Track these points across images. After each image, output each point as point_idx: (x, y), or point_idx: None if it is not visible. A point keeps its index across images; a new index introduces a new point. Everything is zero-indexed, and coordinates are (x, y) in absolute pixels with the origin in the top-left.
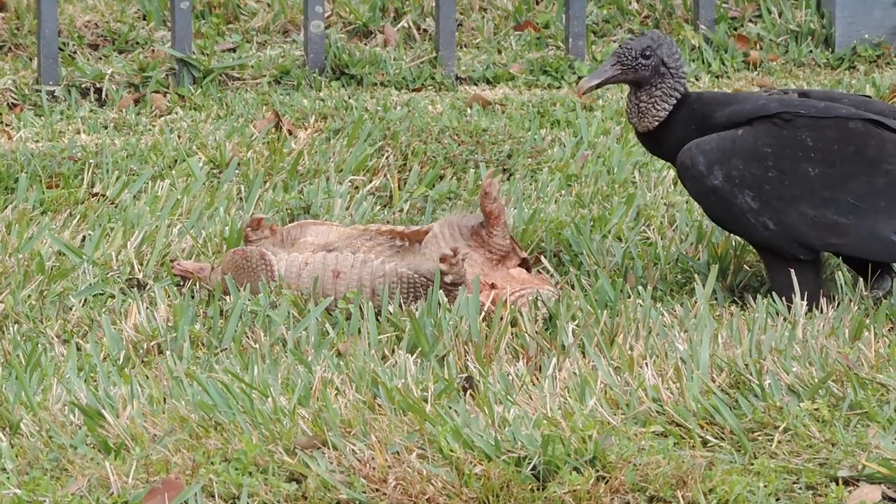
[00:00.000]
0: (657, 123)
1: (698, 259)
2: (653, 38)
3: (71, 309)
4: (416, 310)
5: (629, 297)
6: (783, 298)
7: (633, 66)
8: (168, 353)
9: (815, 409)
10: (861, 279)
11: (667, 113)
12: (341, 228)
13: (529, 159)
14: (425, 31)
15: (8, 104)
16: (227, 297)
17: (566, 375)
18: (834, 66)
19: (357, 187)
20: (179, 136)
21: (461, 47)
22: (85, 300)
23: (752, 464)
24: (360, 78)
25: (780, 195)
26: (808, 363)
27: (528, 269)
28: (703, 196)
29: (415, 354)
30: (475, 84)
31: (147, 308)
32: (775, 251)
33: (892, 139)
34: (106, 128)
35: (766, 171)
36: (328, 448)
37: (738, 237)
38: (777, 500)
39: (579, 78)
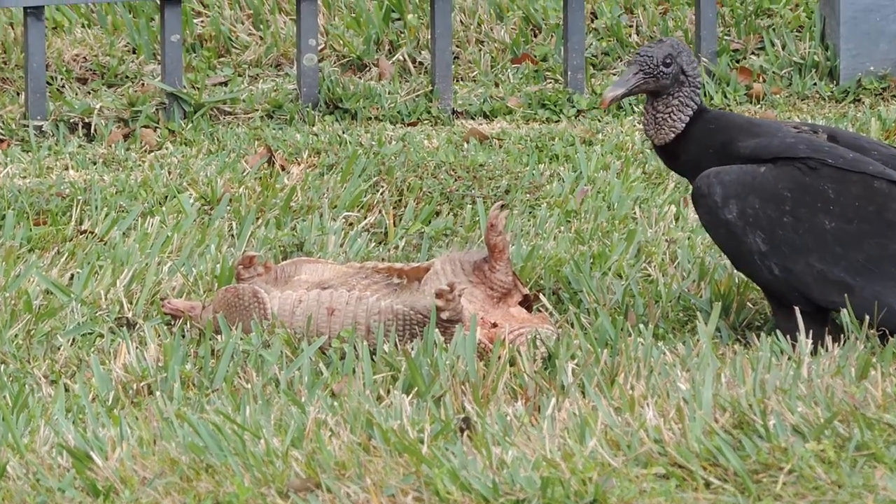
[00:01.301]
0: (673, 135)
1: (700, 296)
2: (672, 46)
3: (59, 349)
4: (412, 349)
5: (630, 335)
6: (788, 338)
7: (655, 74)
8: (158, 393)
9: (821, 450)
10: (867, 316)
11: (683, 125)
12: (337, 266)
13: (528, 195)
14: (421, 64)
15: None
16: (219, 337)
17: (566, 416)
18: (839, 98)
19: (351, 224)
20: (170, 172)
21: (458, 80)
22: (73, 340)
23: None
24: (354, 112)
25: (790, 242)
26: (814, 403)
27: (531, 307)
28: (713, 227)
29: (411, 395)
30: (472, 118)
31: (137, 348)
32: (776, 296)
33: None
34: (95, 163)
35: (782, 216)
36: (322, 491)
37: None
38: None
39: (579, 112)
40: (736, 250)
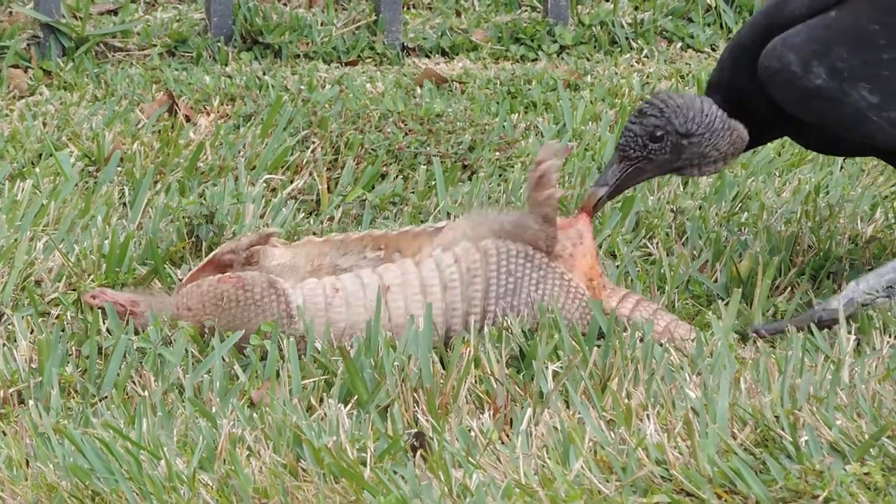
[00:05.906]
0: (744, 145)
1: (715, 281)
2: (660, 112)
3: None
4: (351, 347)
5: (626, 330)
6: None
7: (645, 155)
8: (31, 402)
9: (865, 474)
10: None
11: (741, 140)
12: (299, 247)
13: (497, 153)
14: None
15: None
16: (108, 332)
17: (545, 431)
18: None
19: (274, 189)
20: (45, 124)
21: (408, 8)
22: None
23: None
24: (277, 48)
25: None
26: (857, 415)
27: None
28: (803, 102)
29: (349, 404)
30: (427, 56)
31: (4, 345)
32: None
33: None
34: None
35: (880, 53)
36: None
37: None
38: None
39: (562, 48)
40: (841, 118)
